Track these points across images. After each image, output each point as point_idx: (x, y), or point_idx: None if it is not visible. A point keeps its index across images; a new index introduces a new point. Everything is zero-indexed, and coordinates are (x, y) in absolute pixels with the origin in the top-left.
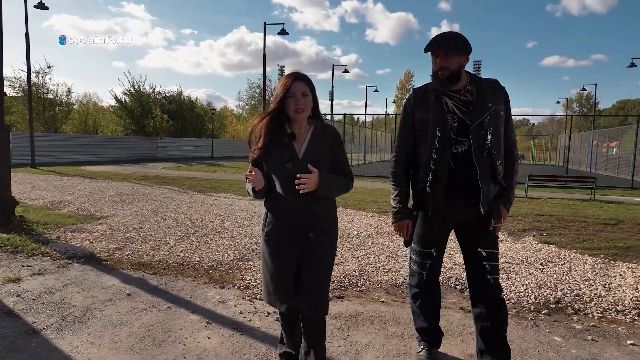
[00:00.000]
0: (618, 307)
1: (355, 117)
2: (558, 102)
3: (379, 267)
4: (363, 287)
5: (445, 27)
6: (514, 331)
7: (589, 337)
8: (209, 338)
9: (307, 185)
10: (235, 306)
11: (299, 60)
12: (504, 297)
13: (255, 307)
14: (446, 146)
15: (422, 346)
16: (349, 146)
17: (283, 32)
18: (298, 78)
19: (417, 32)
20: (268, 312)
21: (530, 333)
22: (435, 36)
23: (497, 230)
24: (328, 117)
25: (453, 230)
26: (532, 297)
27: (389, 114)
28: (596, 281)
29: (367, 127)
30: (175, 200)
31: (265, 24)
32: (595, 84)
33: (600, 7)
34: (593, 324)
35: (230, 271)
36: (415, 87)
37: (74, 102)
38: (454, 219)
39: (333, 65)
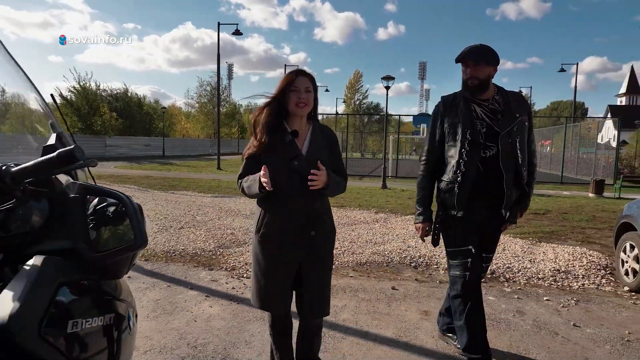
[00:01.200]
0: (539, 275)
1: None
2: None
3: (345, 251)
4: (333, 266)
5: (391, 28)
6: None
7: (515, 296)
8: (211, 307)
9: (318, 183)
10: (226, 283)
11: (247, 58)
12: None
13: (244, 284)
14: (475, 149)
15: None
16: None
17: (237, 33)
18: (303, 74)
19: (364, 32)
20: None
21: None
22: (466, 47)
23: (502, 229)
24: None
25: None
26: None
27: (339, 114)
28: (524, 257)
29: None
30: (139, 198)
31: (219, 23)
32: (531, 87)
33: (535, 13)
34: (519, 287)
35: (214, 257)
36: (444, 95)
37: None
38: (477, 219)
39: (285, 65)
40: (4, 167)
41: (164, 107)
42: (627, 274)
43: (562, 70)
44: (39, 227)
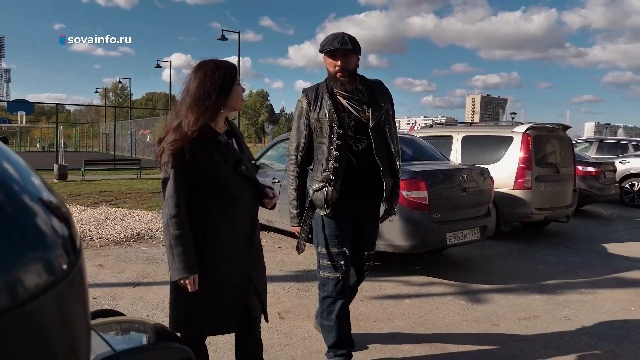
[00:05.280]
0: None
1: None
2: (97, 92)
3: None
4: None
5: None
6: (121, 250)
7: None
8: None
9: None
10: None
11: None
12: None
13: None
14: (345, 144)
15: None
16: None
17: None
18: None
19: None
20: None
21: (123, 250)
22: (332, 37)
23: (381, 222)
24: None
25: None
26: (123, 234)
27: None
28: (157, 220)
29: None
30: None
31: None
32: (130, 78)
33: (124, 3)
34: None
35: None
36: (305, 87)
37: None
38: (354, 216)
39: None
40: None
41: None
42: None
43: (158, 66)
44: None
